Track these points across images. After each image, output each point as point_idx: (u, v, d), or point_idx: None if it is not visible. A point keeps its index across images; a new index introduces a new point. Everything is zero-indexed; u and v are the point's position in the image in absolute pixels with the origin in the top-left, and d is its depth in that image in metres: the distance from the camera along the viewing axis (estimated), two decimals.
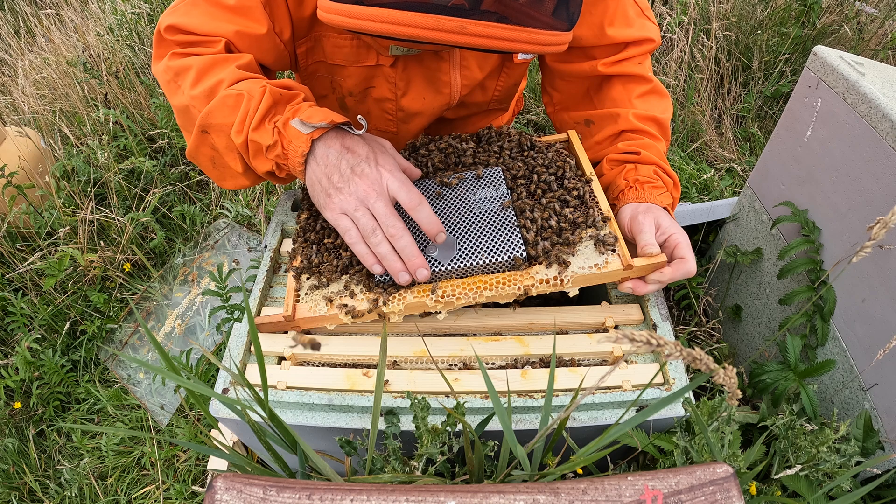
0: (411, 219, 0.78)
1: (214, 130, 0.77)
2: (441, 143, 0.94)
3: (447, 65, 0.94)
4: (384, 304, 0.77)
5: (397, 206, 0.76)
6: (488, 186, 0.86)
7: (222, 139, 0.77)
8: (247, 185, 0.83)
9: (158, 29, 0.81)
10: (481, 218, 0.82)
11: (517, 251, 0.78)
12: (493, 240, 0.79)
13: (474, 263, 0.77)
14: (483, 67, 0.98)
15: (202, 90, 0.76)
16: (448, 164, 0.91)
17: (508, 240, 0.79)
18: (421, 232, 0.81)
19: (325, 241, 0.86)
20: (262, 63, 0.86)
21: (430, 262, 0.78)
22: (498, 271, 0.78)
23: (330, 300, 0.80)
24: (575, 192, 0.85)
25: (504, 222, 0.81)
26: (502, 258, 0.77)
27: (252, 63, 0.81)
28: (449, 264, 0.77)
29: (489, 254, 0.78)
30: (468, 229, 0.81)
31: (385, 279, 0.79)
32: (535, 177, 0.87)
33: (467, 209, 0.84)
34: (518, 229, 0.80)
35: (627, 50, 0.95)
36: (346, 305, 0.79)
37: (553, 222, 0.81)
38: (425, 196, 0.85)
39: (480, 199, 0.85)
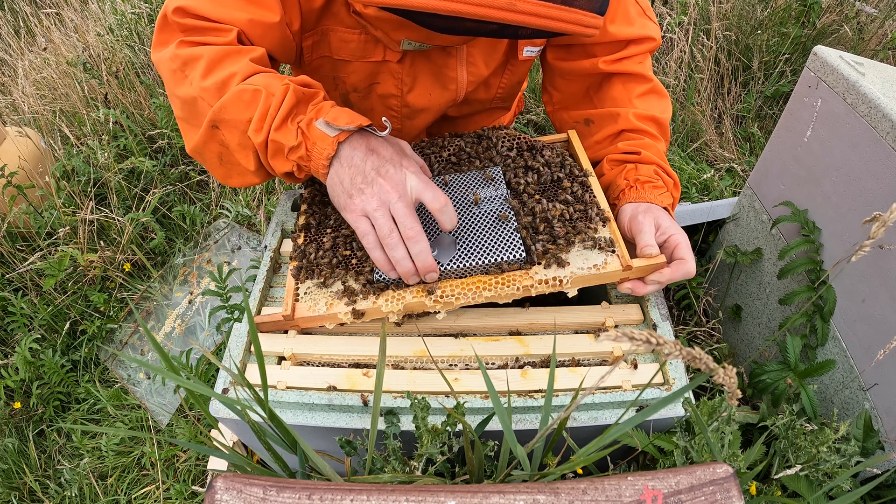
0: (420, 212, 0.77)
1: (227, 126, 0.74)
2: (443, 142, 0.94)
3: (454, 61, 0.94)
4: (384, 303, 0.77)
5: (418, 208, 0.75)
6: (488, 185, 0.86)
7: (234, 135, 0.75)
8: (255, 184, 0.82)
9: (164, 12, 0.78)
10: (481, 218, 0.82)
11: (516, 252, 0.78)
12: (492, 240, 0.79)
13: (473, 264, 0.77)
14: (489, 64, 0.98)
15: (213, 82, 0.74)
16: (450, 163, 0.92)
17: (507, 240, 0.79)
18: (424, 227, 0.81)
19: (325, 240, 0.86)
20: (270, 53, 0.84)
21: None
22: (497, 272, 0.78)
23: (328, 299, 0.80)
24: (574, 193, 0.85)
25: (503, 223, 0.81)
26: (501, 259, 0.77)
27: (264, 57, 0.80)
28: (449, 264, 0.78)
29: (488, 254, 0.78)
30: (468, 229, 0.81)
31: (385, 278, 0.79)
32: (535, 177, 0.87)
33: (468, 208, 0.84)
34: (517, 230, 0.80)
35: (628, 48, 0.95)
36: (344, 305, 0.79)
37: (552, 223, 0.81)
38: None
39: (481, 197, 0.85)
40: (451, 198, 0.86)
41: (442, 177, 0.89)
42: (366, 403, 0.75)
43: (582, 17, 0.66)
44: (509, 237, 0.79)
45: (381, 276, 0.79)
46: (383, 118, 0.77)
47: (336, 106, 0.75)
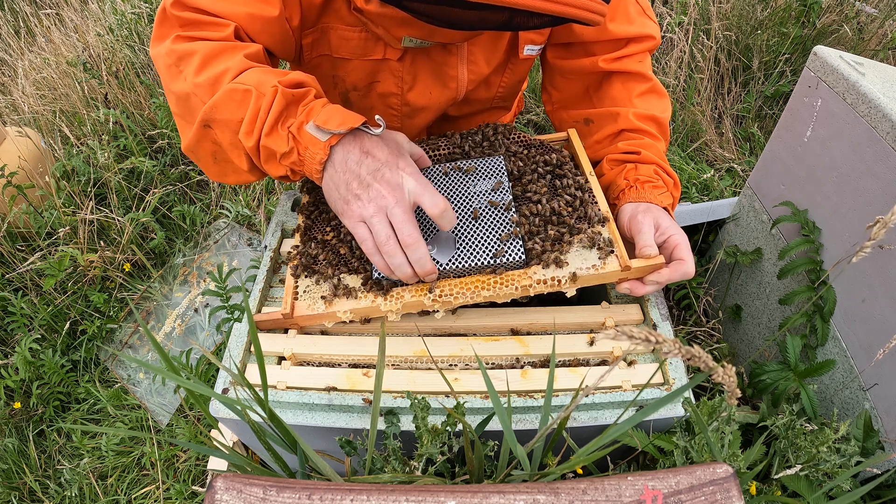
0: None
1: (219, 126, 0.74)
2: (444, 141, 0.94)
3: (455, 59, 0.94)
4: (382, 302, 0.77)
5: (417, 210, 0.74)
6: (489, 178, 0.86)
7: (227, 135, 0.74)
8: (251, 181, 0.81)
9: (164, 5, 0.77)
10: (481, 215, 0.82)
11: (516, 253, 0.77)
12: (492, 241, 0.79)
13: (473, 264, 0.77)
14: (490, 62, 0.98)
15: (206, 78, 0.73)
16: (451, 158, 0.91)
17: (507, 241, 0.79)
18: (422, 224, 0.81)
19: (324, 238, 0.86)
20: (269, 49, 0.83)
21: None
22: (496, 272, 0.78)
23: (328, 298, 0.80)
24: (574, 192, 0.85)
25: (504, 222, 0.81)
26: (501, 259, 0.77)
27: (260, 53, 0.78)
28: (448, 264, 0.77)
29: (488, 255, 0.78)
30: (468, 227, 0.81)
31: (383, 277, 0.79)
32: (535, 176, 0.87)
33: (468, 203, 0.83)
34: (518, 230, 0.80)
35: (628, 47, 0.95)
36: (343, 303, 0.79)
37: (551, 222, 0.81)
38: (431, 181, 0.84)
39: (481, 191, 0.84)
40: (450, 189, 0.85)
41: (442, 166, 0.88)
42: (369, 404, 0.75)
43: (589, 3, 0.65)
44: (509, 238, 0.79)
45: (380, 275, 0.79)
46: (377, 116, 0.75)
47: (328, 105, 0.73)
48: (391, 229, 0.70)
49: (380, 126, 0.73)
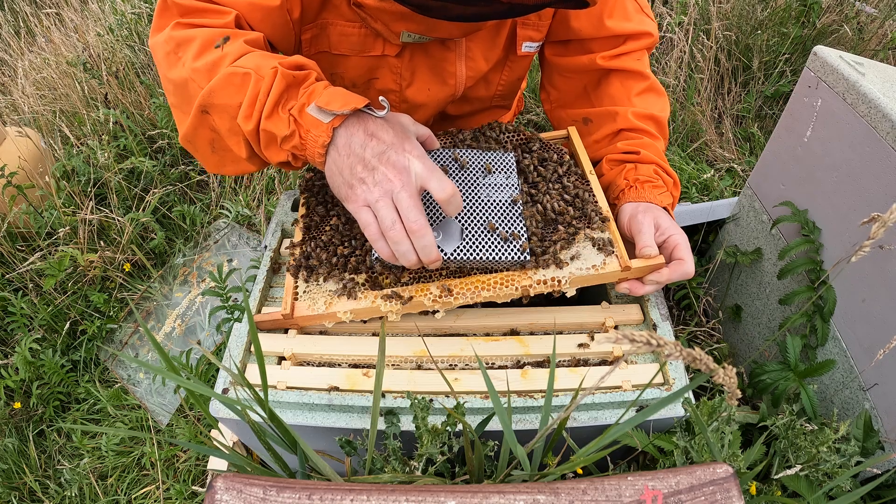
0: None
1: (217, 111, 0.71)
2: (444, 136, 0.94)
3: (453, 55, 0.94)
4: (383, 303, 0.77)
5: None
6: (499, 172, 0.85)
7: (225, 121, 0.72)
8: (250, 171, 0.79)
9: None
10: (490, 208, 0.81)
11: (521, 251, 0.77)
12: (498, 237, 0.78)
13: (478, 256, 0.76)
14: (488, 59, 0.97)
15: (204, 63, 0.70)
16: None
17: (514, 238, 0.78)
18: (428, 210, 0.80)
19: (324, 238, 0.86)
20: (270, 41, 0.82)
21: None
22: (498, 270, 0.78)
23: (327, 298, 0.80)
24: (574, 192, 0.85)
25: (512, 218, 0.80)
26: (505, 257, 0.77)
27: (260, 40, 0.77)
28: (453, 253, 0.76)
29: (493, 248, 0.77)
30: (475, 220, 0.80)
31: (381, 262, 0.78)
32: (535, 175, 0.87)
33: (476, 194, 0.82)
34: (525, 230, 0.79)
35: (626, 44, 0.95)
36: (343, 303, 0.79)
37: (551, 221, 0.81)
38: (440, 166, 0.83)
39: (490, 184, 0.83)
40: (458, 177, 0.84)
41: (451, 151, 0.87)
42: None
43: None
44: (516, 234, 0.78)
45: (376, 260, 0.77)
46: (380, 98, 0.72)
47: (330, 87, 0.71)
48: (397, 214, 0.67)
49: (384, 108, 0.71)
